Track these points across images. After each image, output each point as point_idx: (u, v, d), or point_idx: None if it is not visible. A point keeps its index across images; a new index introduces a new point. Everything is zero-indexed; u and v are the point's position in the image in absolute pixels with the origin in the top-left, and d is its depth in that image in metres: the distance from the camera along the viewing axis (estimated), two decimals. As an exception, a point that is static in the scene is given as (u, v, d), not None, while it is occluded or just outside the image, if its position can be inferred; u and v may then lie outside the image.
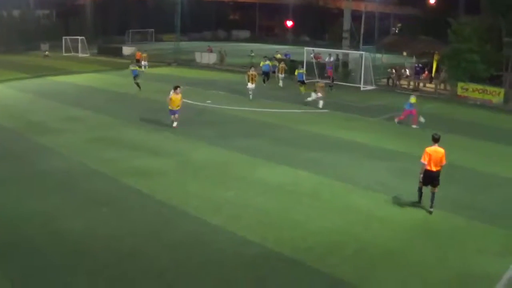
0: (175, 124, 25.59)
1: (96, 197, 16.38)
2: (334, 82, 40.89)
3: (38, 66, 53.91)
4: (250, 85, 34.15)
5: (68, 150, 21.54)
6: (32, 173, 18.59)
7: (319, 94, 32.37)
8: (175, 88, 25.33)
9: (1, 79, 42.83)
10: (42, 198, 16.16)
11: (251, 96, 34.17)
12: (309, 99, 32.72)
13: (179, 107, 25.57)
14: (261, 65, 43.73)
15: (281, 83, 41.86)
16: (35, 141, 22.93)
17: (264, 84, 41.04)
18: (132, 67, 38.39)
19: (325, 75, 42.92)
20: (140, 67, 46.97)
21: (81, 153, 21.16)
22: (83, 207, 15.57)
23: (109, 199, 16.16)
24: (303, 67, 41.33)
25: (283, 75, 42.36)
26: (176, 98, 25.25)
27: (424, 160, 15.95)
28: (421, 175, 15.91)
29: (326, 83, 37.16)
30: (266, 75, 42.60)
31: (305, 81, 38.38)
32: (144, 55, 52.62)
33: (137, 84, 37.48)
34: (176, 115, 25.62)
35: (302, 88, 37.46)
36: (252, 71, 34.56)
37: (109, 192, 16.70)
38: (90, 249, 12.78)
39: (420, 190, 16.10)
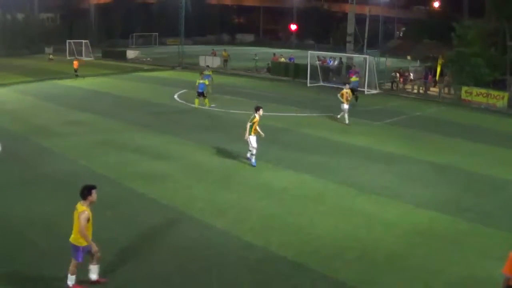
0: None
1: (100, 201, 16.35)
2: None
3: (42, 70, 54.10)
4: None
5: (72, 153, 21.59)
6: (36, 176, 18.65)
7: (345, 106, 28.84)
8: (257, 109, 20.69)
9: (5, 83, 42.99)
10: (46, 201, 16.20)
11: None
12: (342, 115, 29.34)
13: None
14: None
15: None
16: (39, 145, 23.00)
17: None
18: (201, 80, 33.01)
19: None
20: (77, 76, 46.52)
21: (85, 156, 21.22)
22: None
23: (113, 203, 16.17)
24: (207, 74, 36.54)
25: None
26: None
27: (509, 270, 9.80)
28: None
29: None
30: None
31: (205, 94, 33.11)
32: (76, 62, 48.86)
33: (203, 96, 33.13)
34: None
35: (206, 101, 33.10)
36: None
37: (113, 196, 16.71)
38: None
39: None
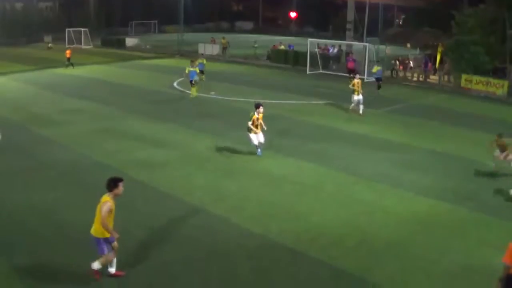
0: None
1: (100, 189, 16.39)
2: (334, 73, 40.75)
3: (41, 58, 53.98)
4: None
5: (71, 142, 21.61)
6: (36, 165, 18.66)
7: (355, 97, 28.26)
8: (257, 106, 20.06)
9: (4, 72, 42.89)
10: (46, 190, 16.24)
11: None
12: (353, 106, 28.78)
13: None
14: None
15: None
16: (39, 133, 23.00)
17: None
18: (190, 68, 32.76)
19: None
20: (71, 65, 46.24)
21: (85, 144, 21.24)
22: (87, 199, 15.60)
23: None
24: (200, 63, 36.82)
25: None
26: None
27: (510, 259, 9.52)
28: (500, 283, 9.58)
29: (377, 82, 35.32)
30: None
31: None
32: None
33: (192, 84, 32.69)
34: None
35: (193, 90, 32.72)
36: None
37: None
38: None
39: None
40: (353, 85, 28.27)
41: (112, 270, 11.08)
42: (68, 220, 14.07)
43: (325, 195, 16.52)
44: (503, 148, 18.80)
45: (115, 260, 11.09)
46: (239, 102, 30.46)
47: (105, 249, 10.68)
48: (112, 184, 10.64)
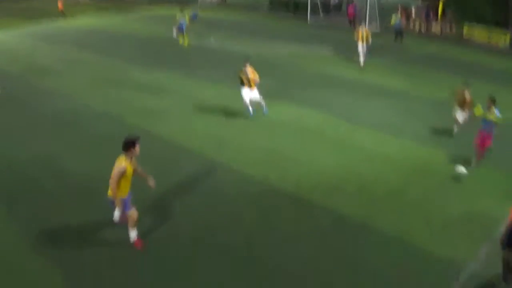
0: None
1: (101, 138, 16.42)
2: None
3: (39, 11, 53.03)
4: None
5: (72, 92, 21.47)
6: (37, 116, 18.57)
7: (359, 47, 27.45)
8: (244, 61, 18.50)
9: (2, 26, 42.20)
10: (47, 140, 16.19)
11: None
12: (362, 59, 27.80)
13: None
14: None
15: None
16: (39, 85, 22.82)
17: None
18: (180, 18, 32.64)
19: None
20: (63, 15, 45.64)
21: (85, 94, 21.12)
22: (88, 148, 15.63)
23: (113, 139, 16.16)
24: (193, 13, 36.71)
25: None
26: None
27: None
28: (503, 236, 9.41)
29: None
30: None
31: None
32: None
33: (182, 37, 32.84)
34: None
35: (180, 37, 32.71)
36: None
37: (114, 132, 16.67)
38: (96, 190, 12.73)
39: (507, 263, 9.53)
40: (358, 34, 27.85)
41: (117, 215, 10.86)
42: (69, 170, 14.08)
43: (326, 142, 16.52)
44: (462, 104, 17.10)
45: (117, 213, 10.87)
46: (239, 50, 30.14)
47: (127, 207, 10.08)
48: (130, 144, 9.92)
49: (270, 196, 12.90)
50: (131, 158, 9.97)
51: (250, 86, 18.16)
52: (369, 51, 27.87)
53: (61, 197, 12.64)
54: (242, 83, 18.27)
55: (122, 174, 9.68)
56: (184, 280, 9.68)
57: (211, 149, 15.66)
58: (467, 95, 17.21)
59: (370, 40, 27.61)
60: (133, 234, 10.35)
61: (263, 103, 18.49)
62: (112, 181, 9.65)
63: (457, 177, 13.68)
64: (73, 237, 10.99)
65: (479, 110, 15.07)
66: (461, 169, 13.84)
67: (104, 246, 10.71)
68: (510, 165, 15.29)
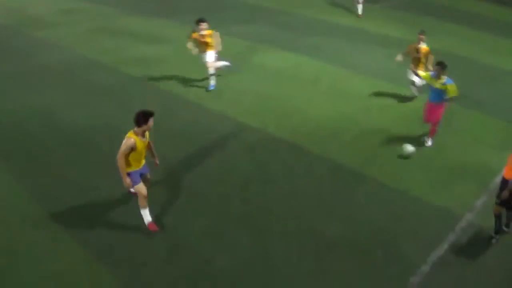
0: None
1: (97, 88, 16.23)
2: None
3: None
4: None
5: (67, 42, 20.98)
6: (32, 67, 18.17)
7: None
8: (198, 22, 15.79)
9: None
10: (43, 92, 15.93)
11: None
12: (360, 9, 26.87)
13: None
14: None
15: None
16: (34, 36, 22.23)
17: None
18: None
19: None
20: None
21: (81, 44, 20.66)
22: (85, 99, 15.45)
23: (110, 89, 16.04)
24: None
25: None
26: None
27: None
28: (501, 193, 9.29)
29: None
30: None
31: None
32: None
33: None
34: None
35: None
36: None
37: (109, 82, 16.53)
38: (93, 141, 12.79)
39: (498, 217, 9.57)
40: None
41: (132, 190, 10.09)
42: (66, 121, 13.92)
43: (322, 90, 16.45)
44: (417, 61, 15.12)
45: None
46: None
47: (137, 180, 9.32)
48: (142, 119, 8.90)
49: (267, 143, 12.93)
50: (144, 132, 9.12)
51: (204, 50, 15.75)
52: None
53: (58, 148, 12.55)
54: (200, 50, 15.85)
55: (131, 150, 9.00)
56: (178, 230, 9.76)
57: (207, 97, 15.57)
58: (423, 48, 15.04)
59: None
60: (145, 216, 9.61)
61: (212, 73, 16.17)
62: (118, 156, 8.96)
63: (407, 157, 12.50)
64: (73, 191, 10.85)
65: (425, 75, 13.06)
66: (408, 148, 12.45)
67: (102, 198, 10.69)
68: (508, 114, 15.28)
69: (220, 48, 15.91)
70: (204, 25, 15.52)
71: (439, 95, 12.51)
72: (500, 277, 8.77)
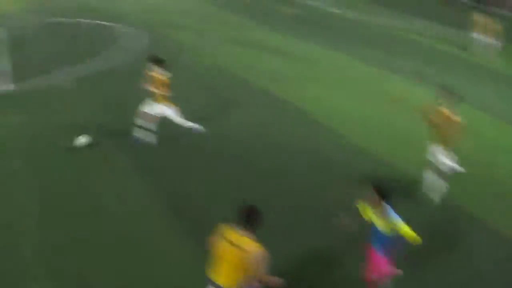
0: None
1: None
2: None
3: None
4: None
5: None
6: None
7: None
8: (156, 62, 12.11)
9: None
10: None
11: None
12: None
13: None
14: None
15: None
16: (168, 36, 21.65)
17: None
18: None
19: None
20: None
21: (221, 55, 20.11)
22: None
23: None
24: None
25: None
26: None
27: None
28: None
29: None
30: None
31: None
32: None
33: None
34: None
35: None
36: None
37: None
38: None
39: None
40: None
41: None
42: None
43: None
44: (442, 133, 10.17)
45: None
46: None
47: None
48: (257, 219, 6.17)
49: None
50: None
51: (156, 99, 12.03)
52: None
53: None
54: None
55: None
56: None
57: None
58: (450, 115, 10.02)
59: None
60: None
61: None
62: (260, 278, 6.21)
63: (75, 149, 11.54)
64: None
65: (366, 211, 7.42)
66: (81, 140, 11.64)
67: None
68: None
69: None
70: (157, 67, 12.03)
71: (381, 235, 7.26)
72: None
